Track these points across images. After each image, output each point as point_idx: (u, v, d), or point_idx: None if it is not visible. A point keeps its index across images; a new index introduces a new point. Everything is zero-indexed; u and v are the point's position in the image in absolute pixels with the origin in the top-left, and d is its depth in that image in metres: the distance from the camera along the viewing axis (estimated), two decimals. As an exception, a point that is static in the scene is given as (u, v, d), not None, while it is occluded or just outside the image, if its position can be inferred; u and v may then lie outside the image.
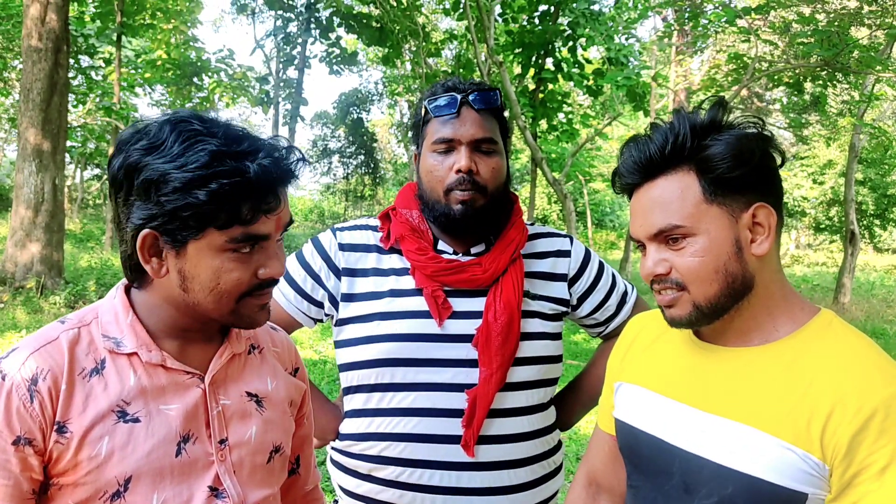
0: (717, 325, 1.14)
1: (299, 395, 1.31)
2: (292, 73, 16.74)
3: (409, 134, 1.77)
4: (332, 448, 1.72)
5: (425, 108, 1.61)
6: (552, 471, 1.69)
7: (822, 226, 25.35)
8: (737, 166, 1.06)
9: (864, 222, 24.33)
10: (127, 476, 1.02)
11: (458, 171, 1.55)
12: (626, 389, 1.30)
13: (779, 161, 1.11)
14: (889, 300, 15.15)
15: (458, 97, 1.58)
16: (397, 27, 14.71)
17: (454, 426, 1.54)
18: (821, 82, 11.86)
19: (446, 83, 1.63)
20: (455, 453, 1.55)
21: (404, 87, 22.54)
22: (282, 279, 1.66)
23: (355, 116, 28.07)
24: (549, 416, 1.70)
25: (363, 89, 28.51)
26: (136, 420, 1.03)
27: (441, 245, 1.65)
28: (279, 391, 1.23)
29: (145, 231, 0.99)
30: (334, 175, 31.24)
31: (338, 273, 1.66)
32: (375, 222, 1.71)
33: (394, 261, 1.65)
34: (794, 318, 1.11)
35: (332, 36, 16.11)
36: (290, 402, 1.26)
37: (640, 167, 1.11)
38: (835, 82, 11.89)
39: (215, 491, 1.08)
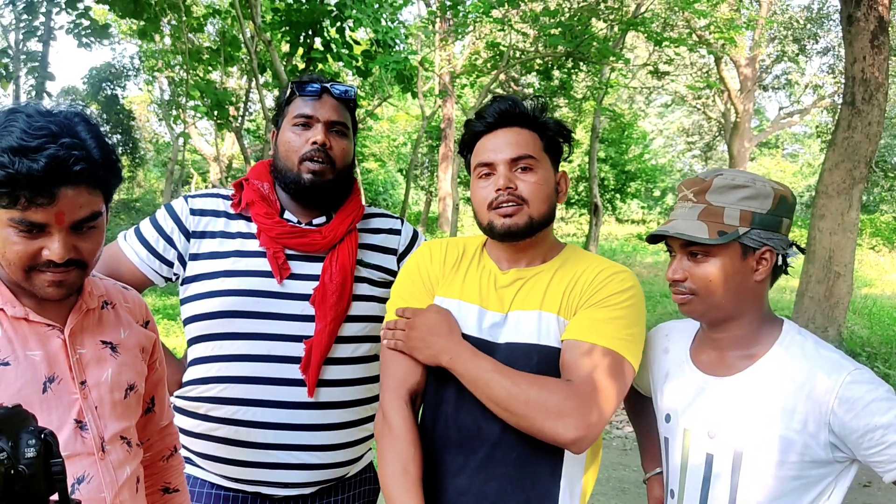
0: (522, 253, 1.61)
1: (150, 342, 1.51)
2: (35, 45, 15.15)
3: (273, 115, 2.04)
4: (176, 396, 1.86)
5: (292, 87, 1.86)
6: None
7: (572, 200, 27.74)
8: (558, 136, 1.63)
9: (607, 196, 26.98)
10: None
11: (314, 143, 1.79)
12: (441, 303, 1.61)
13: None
14: (627, 263, 17.32)
15: (321, 85, 1.85)
16: (155, -1, 13.87)
17: (290, 371, 1.76)
18: (566, 70, 13.10)
19: (312, 75, 1.91)
20: (290, 394, 1.76)
21: (164, 63, 21.23)
22: (136, 239, 1.86)
23: (109, 93, 25.99)
24: (376, 367, 1.90)
25: (117, 64, 26.41)
26: (6, 364, 1.22)
27: (287, 214, 1.86)
28: (131, 339, 1.44)
29: None
30: (87, 156, 28.62)
31: (188, 235, 1.83)
32: (227, 191, 1.91)
33: (241, 225, 1.85)
34: (557, 247, 1.67)
35: (80, 6, 14.81)
36: (142, 349, 1.48)
37: (501, 119, 1.58)
38: (577, 70, 13.19)
39: (80, 423, 1.28)
